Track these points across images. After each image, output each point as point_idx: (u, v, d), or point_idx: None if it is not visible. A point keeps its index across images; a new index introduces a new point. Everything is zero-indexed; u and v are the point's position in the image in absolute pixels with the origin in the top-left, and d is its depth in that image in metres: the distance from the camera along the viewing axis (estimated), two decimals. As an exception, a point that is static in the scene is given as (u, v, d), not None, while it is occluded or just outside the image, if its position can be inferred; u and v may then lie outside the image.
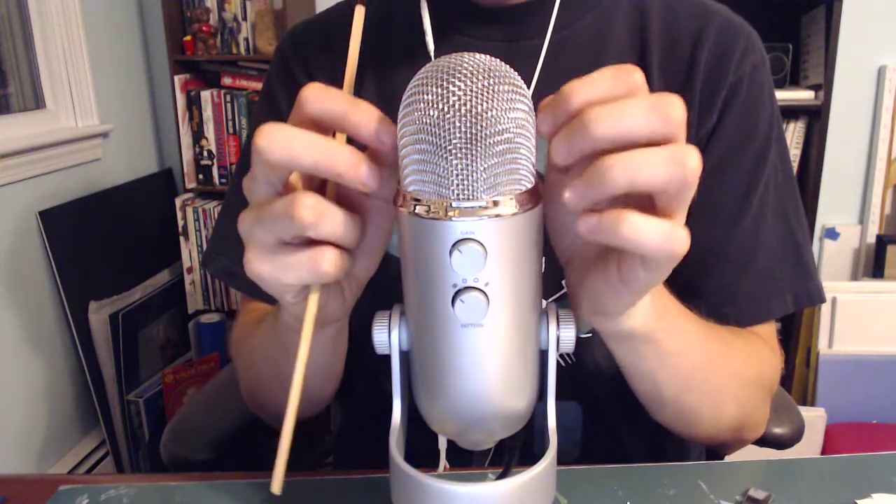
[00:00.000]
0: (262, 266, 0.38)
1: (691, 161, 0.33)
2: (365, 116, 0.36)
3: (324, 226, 0.36)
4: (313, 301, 0.40)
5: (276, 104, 0.72)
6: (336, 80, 0.69)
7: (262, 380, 0.66)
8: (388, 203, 0.39)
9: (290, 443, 0.38)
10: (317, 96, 0.36)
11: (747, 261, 0.65)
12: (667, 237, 0.34)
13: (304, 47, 0.72)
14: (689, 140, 0.65)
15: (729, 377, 0.60)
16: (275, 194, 0.38)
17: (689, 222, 0.75)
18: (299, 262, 0.37)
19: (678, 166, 0.32)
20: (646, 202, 0.35)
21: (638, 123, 0.32)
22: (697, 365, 0.55)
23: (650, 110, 0.33)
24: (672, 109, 0.33)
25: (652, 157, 0.32)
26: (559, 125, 0.34)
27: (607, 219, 0.33)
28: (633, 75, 0.34)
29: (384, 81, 0.67)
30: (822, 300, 0.67)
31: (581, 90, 0.34)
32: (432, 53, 0.66)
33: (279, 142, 0.35)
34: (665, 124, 0.33)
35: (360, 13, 0.42)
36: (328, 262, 0.37)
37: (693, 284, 0.66)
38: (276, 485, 0.39)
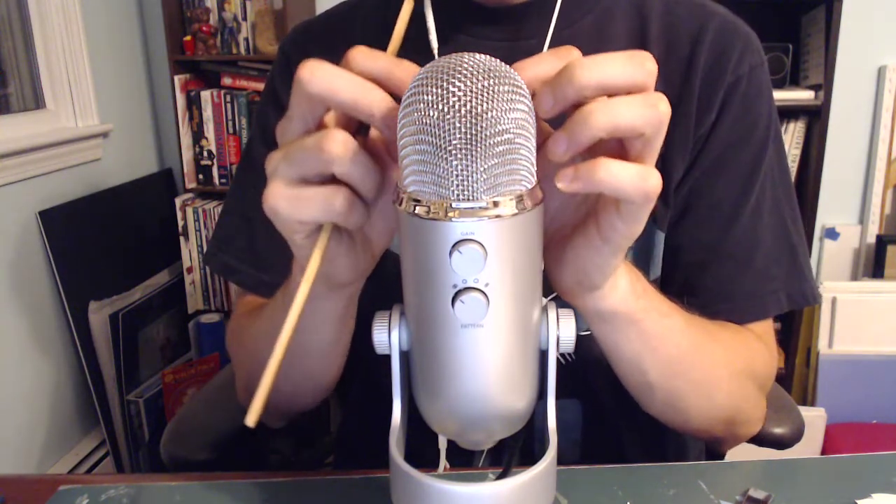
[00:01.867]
0: (279, 200, 0.39)
1: (662, 104, 0.36)
2: (408, 73, 0.37)
3: (349, 162, 0.37)
4: (323, 238, 0.40)
5: (279, 103, 0.72)
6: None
7: (263, 363, 0.65)
8: None
9: (275, 373, 0.38)
10: (364, 56, 0.38)
11: (744, 259, 0.65)
12: (641, 177, 0.36)
13: (307, 46, 0.72)
14: (688, 138, 0.66)
15: (716, 366, 0.60)
16: (306, 134, 0.39)
17: (688, 221, 0.75)
18: (315, 196, 0.38)
19: (652, 108, 0.36)
20: (617, 154, 0.37)
21: (619, 71, 0.35)
22: (682, 350, 0.55)
23: (629, 60, 0.36)
24: (646, 61, 0.36)
25: (629, 101, 0.35)
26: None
27: (584, 167, 0.36)
28: (571, 52, 0.37)
29: None
30: (817, 301, 0.68)
31: (529, 68, 0.37)
32: (436, 53, 0.66)
33: (322, 75, 0.37)
34: (641, 73, 0.36)
35: (408, 5, 0.44)
36: (342, 198, 0.38)
37: (691, 282, 0.66)
38: (252, 417, 0.38)
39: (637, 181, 0.36)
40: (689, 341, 0.56)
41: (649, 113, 0.35)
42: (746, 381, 0.65)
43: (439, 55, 0.66)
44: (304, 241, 0.41)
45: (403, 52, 0.68)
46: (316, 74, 0.37)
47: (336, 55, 0.69)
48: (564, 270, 0.44)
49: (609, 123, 0.35)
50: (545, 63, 0.37)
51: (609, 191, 0.36)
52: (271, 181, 0.40)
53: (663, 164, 0.65)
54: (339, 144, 0.37)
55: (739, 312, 0.66)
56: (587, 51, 0.66)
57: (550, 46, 0.65)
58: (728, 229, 0.65)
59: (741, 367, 0.63)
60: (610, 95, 0.36)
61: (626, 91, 0.36)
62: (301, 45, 0.73)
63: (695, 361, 0.57)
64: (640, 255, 0.67)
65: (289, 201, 0.39)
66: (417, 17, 0.68)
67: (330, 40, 0.72)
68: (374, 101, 0.37)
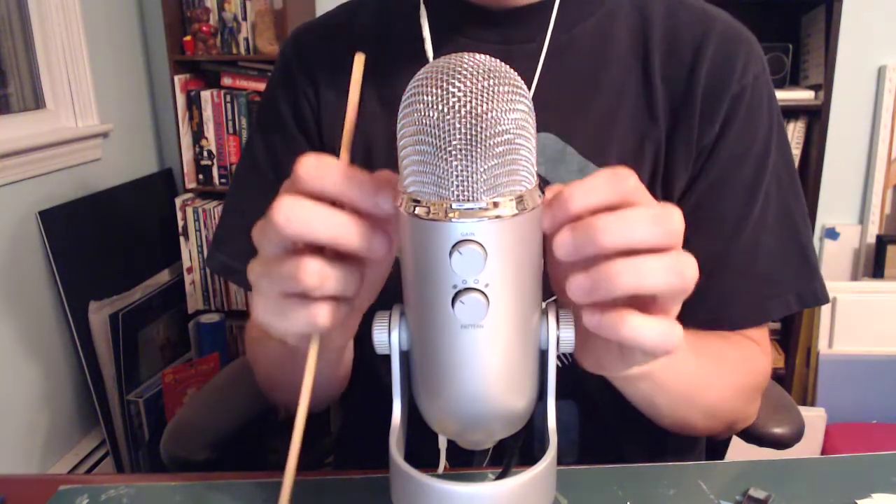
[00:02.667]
0: (266, 315, 0.41)
1: (689, 270, 0.36)
2: (358, 192, 0.37)
3: (326, 288, 0.38)
4: (314, 349, 0.41)
5: (278, 107, 0.72)
6: (338, 83, 0.69)
7: (275, 381, 0.69)
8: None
9: (294, 473, 0.40)
10: (311, 175, 0.38)
11: (747, 268, 0.65)
12: (664, 335, 0.37)
13: (307, 50, 0.72)
14: (691, 148, 0.66)
15: (723, 395, 0.63)
16: (284, 253, 0.39)
17: (691, 232, 0.76)
18: (299, 316, 0.39)
19: (678, 276, 0.36)
20: (643, 298, 0.37)
21: (642, 235, 0.35)
22: (691, 385, 0.57)
23: (654, 223, 0.35)
24: (672, 222, 0.36)
25: (655, 266, 0.35)
26: (558, 226, 0.36)
27: (609, 318, 0.36)
28: (628, 181, 0.36)
29: (386, 86, 0.67)
30: (826, 300, 0.67)
31: (579, 197, 0.36)
32: (430, 58, 0.66)
33: (297, 220, 0.37)
34: (666, 235, 0.36)
35: (359, 61, 0.43)
36: (324, 316, 0.39)
37: (692, 291, 0.66)
38: None
39: (660, 339, 0.37)
40: (697, 375, 0.57)
41: (675, 280, 0.36)
42: (748, 393, 0.67)
43: (436, 58, 0.66)
44: (297, 342, 0.42)
45: (402, 57, 0.68)
46: (291, 219, 0.37)
47: (336, 57, 0.70)
48: (585, 357, 0.45)
49: (633, 287, 0.35)
50: (598, 191, 0.36)
51: (631, 345, 0.37)
52: (255, 295, 0.41)
53: (665, 175, 0.65)
54: (313, 276, 0.37)
55: (742, 319, 0.66)
56: (590, 54, 0.66)
57: (549, 50, 0.65)
58: (732, 239, 0.65)
59: (744, 383, 0.66)
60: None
61: (649, 250, 0.35)
62: (301, 48, 0.73)
63: (703, 392, 0.60)
64: None
65: (275, 316, 0.40)
66: (413, 21, 0.68)
67: (329, 44, 0.72)
68: (352, 238, 0.37)
